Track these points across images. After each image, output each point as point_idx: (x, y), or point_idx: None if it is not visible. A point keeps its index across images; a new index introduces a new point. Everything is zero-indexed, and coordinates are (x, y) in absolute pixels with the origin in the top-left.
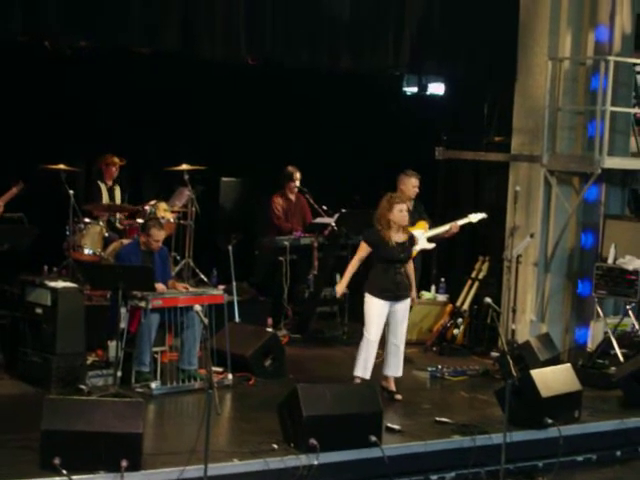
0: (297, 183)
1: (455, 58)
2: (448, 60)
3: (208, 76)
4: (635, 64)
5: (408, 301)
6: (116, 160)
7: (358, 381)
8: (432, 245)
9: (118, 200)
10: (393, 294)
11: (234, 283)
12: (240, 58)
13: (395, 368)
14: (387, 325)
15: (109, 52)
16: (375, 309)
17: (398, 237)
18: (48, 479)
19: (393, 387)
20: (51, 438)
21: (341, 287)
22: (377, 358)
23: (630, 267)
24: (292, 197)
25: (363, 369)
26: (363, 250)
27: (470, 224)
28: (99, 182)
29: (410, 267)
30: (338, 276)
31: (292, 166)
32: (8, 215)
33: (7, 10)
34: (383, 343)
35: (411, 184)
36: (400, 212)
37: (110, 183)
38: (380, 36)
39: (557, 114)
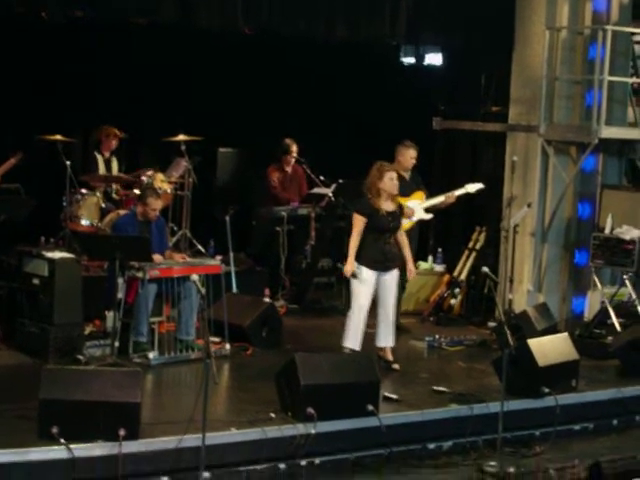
0: (294, 155)
1: (452, 28)
2: (445, 30)
3: (205, 47)
4: (633, 33)
5: (396, 271)
6: (116, 132)
7: (347, 352)
8: (429, 215)
9: (115, 171)
10: (382, 264)
11: (231, 254)
12: (237, 28)
13: (385, 338)
14: (376, 295)
15: (106, 22)
16: (364, 278)
17: (388, 206)
18: (46, 448)
19: (390, 357)
20: (49, 407)
21: (350, 265)
22: (371, 329)
23: (627, 237)
24: (288, 169)
25: (353, 340)
26: (360, 221)
27: (467, 194)
28: (96, 153)
29: (403, 238)
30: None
31: (289, 138)
32: (5, 186)
33: None
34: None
35: (409, 155)
36: (391, 180)
37: (107, 155)
38: (376, 5)
39: (555, 84)
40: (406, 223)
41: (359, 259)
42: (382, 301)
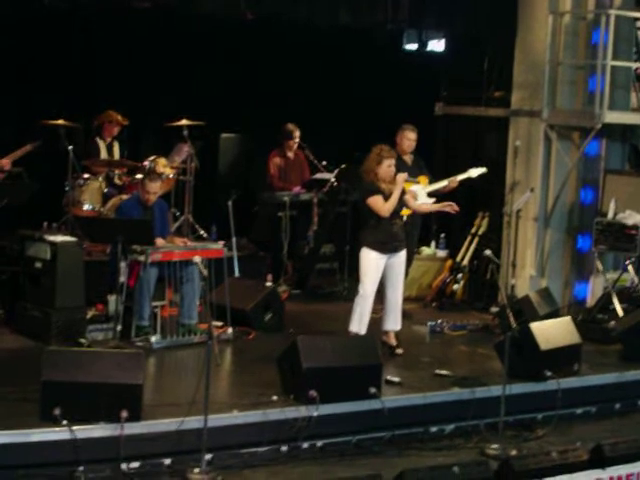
0: (296, 141)
1: (454, 13)
2: (447, 15)
3: (207, 31)
4: (636, 19)
5: (404, 253)
6: (119, 119)
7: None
8: (432, 200)
9: (117, 156)
10: (389, 245)
11: (234, 239)
12: (239, 12)
13: (394, 322)
14: (385, 279)
15: (107, 7)
16: (372, 262)
17: (388, 188)
18: (48, 429)
19: (394, 341)
20: (51, 389)
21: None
22: (377, 313)
23: (630, 222)
24: (290, 155)
25: (358, 324)
26: (380, 199)
27: (470, 179)
28: (97, 138)
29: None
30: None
31: (292, 124)
32: (5, 169)
33: None
34: (382, 298)
35: (406, 137)
36: (388, 167)
37: (109, 140)
38: None
39: (558, 69)
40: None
41: (366, 243)
42: (391, 284)
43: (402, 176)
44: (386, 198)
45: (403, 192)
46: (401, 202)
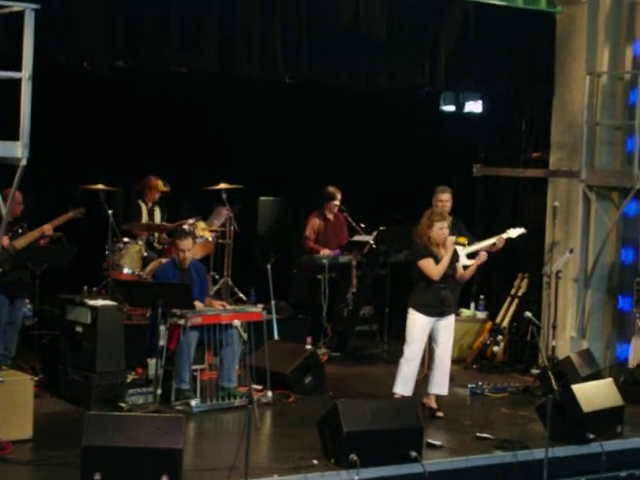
0: (337, 203)
1: (491, 74)
2: (484, 77)
3: (245, 94)
4: None
5: (452, 317)
6: (160, 186)
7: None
8: (471, 261)
9: (158, 221)
10: (437, 309)
11: (273, 302)
12: (277, 77)
13: (441, 386)
14: (432, 342)
15: (147, 71)
16: (418, 325)
17: (440, 252)
18: None
19: (434, 404)
20: (92, 454)
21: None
22: (419, 375)
23: None
24: (330, 217)
25: (403, 386)
26: (430, 263)
27: (509, 239)
28: (140, 202)
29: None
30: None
31: (333, 186)
32: (47, 234)
33: (46, 31)
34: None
35: (437, 199)
36: (440, 230)
37: (150, 204)
38: (416, 54)
39: (595, 129)
40: None
41: (412, 305)
42: (438, 347)
43: (451, 239)
44: (437, 261)
45: (455, 257)
46: (452, 266)
